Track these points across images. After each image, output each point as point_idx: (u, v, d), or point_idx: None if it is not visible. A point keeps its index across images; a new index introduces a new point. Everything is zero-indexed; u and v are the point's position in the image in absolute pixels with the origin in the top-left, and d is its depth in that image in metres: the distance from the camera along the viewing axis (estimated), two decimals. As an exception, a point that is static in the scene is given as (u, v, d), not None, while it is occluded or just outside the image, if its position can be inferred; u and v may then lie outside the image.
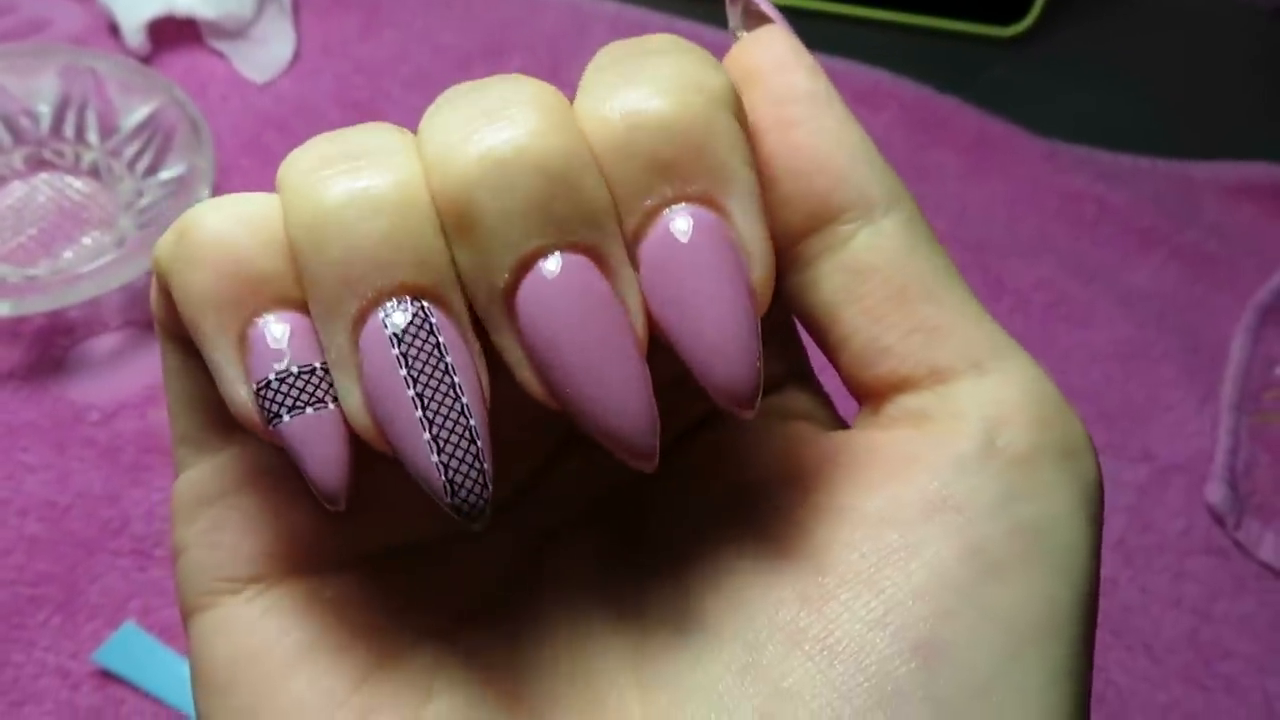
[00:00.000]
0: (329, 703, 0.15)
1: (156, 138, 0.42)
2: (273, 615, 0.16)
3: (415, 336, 0.13)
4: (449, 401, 0.13)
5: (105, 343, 0.40)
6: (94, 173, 0.42)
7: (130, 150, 0.42)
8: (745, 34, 0.17)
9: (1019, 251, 0.48)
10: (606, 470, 0.17)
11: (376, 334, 0.13)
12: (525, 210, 0.13)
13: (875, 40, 0.55)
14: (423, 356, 0.13)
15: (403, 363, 0.13)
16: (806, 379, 0.18)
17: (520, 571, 0.17)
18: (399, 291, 0.13)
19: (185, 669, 0.34)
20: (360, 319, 0.13)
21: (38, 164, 0.43)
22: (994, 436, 0.15)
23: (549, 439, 0.18)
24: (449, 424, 0.13)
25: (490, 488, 0.13)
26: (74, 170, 0.43)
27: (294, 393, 0.13)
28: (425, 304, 0.13)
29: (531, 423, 0.17)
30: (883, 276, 0.15)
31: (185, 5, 0.47)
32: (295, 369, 0.13)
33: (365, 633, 0.16)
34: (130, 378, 0.39)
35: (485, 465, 0.13)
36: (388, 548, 0.17)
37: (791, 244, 0.16)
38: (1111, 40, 0.57)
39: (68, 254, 0.41)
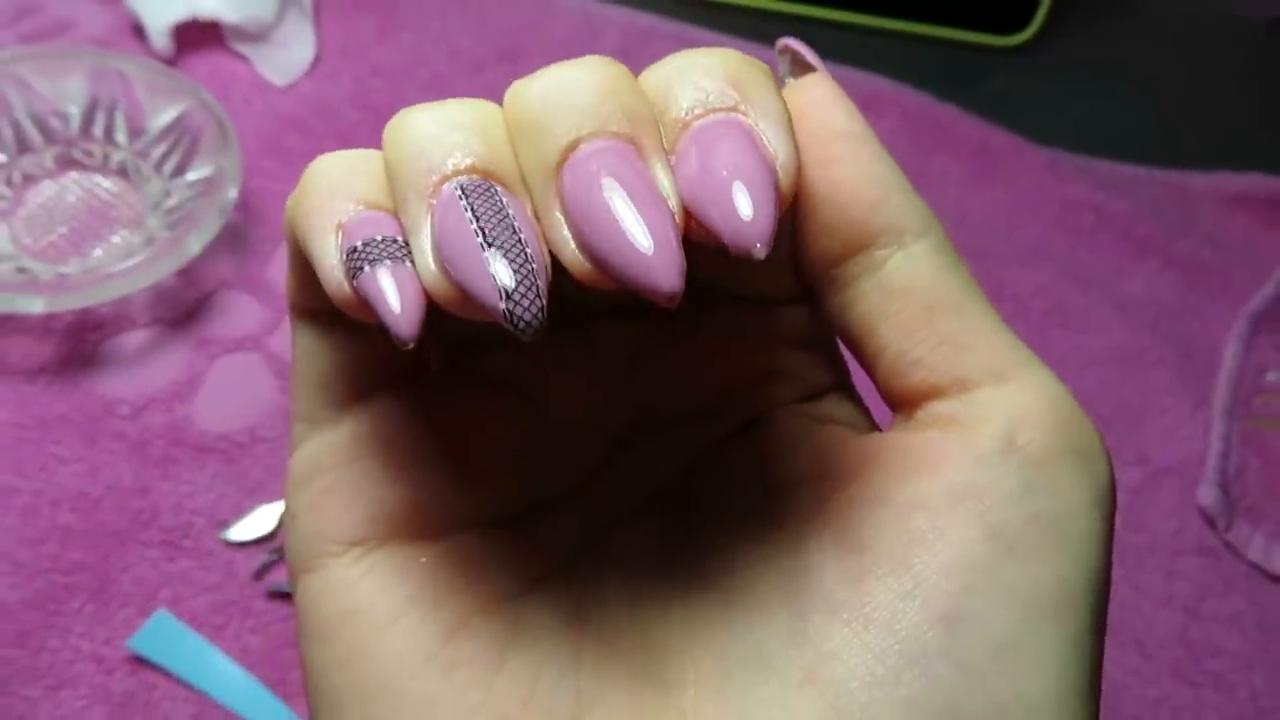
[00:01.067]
0: (420, 654, 0.17)
1: (184, 139, 0.43)
2: (372, 576, 0.18)
3: (482, 194, 0.15)
4: (508, 235, 0.14)
5: (134, 339, 0.41)
6: (122, 173, 0.43)
7: (158, 151, 0.43)
8: (792, 80, 0.19)
9: (1018, 258, 0.50)
10: (662, 464, 0.19)
11: (448, 194, 0.15)
12: (574, 109, 0.15)
13: (878, 48, 0.56)
14: (487, 206, 0.15)
15: (468, 208, 0.15)
16: (847, 390, 0.20)
17: (586, 550, 0.19)
18: (469, 171, 0.15)
19: (214, 656, 0.35)
20: (435, 190, 0.15)
21: (67, 163, 0.44)
22: (1014, 436, 0.16)
23: (610, 435, 0.19)
24: (506, 246, 0.14)
25: (544, 301, 0.14)
26: (103, 170, 0.44)
27: (376, 252, 0.15)
28: (492, 183, 0.15)
29: (595, 421, 0.19)
30: (913, 296, 0.17)
31: (209, 8, 0.48)
32: (379, 237, 0.15)
33: (452, 595, 0.18)
34: (158, 373, 0.40)
35: (540, 282, 0.14)
36: (475, 520, 0.18)
37: (831, 267, 0.18)
38: (1112, 51, 0.58)
39: (97, 252, 0.42)
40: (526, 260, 0.14)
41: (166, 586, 0.36)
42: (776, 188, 0.15)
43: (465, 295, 0.14)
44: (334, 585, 0.18)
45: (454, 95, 0.16)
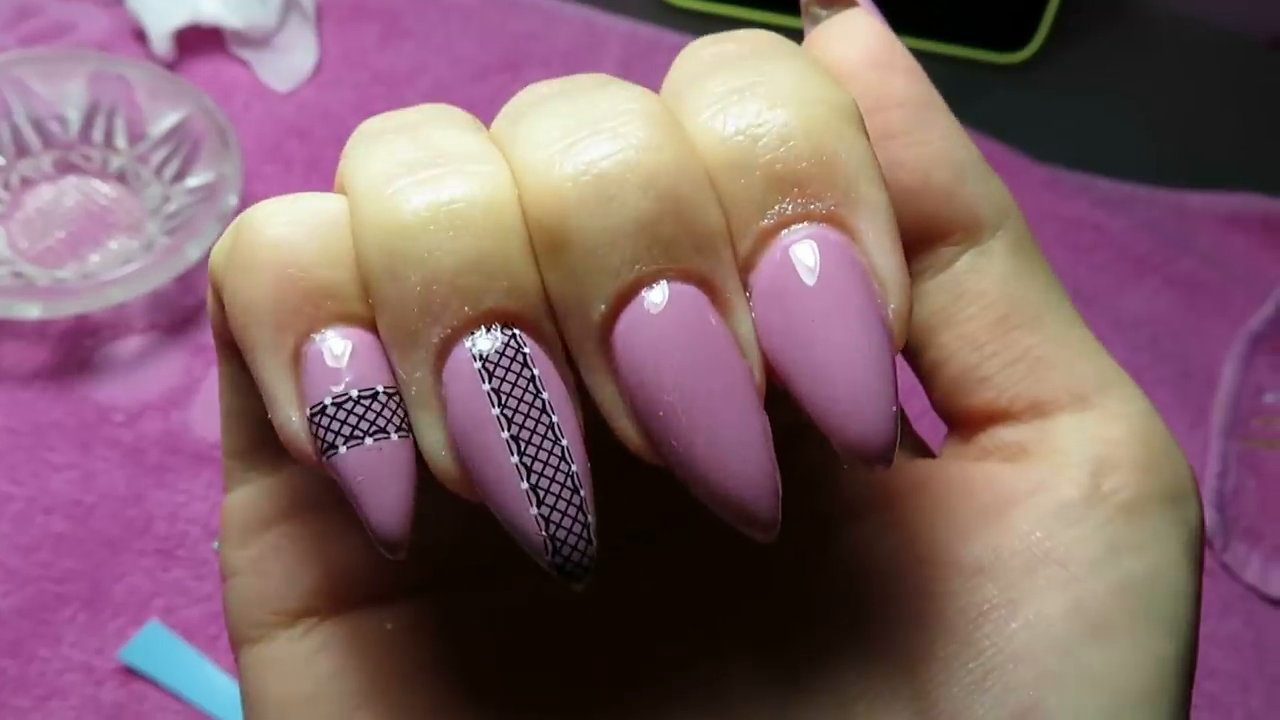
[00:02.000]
0: None
1: (184, 145, 0.42)
2: (326, 655, 0.14)
3: (508, 370, 0.11)
4: (548, 445, 0.11)
5: (130, 345, 0.41)
6: (121, 178, 0.43)
7: (158, 156, 0.43)
8: (822, 13, 0.15)
9: (1018, 275, 0.50)
10: (674, 490, 0.16)
11: (464, 367, 0.11)
12: (629, 233, 0.11)
13: (882, 63, 0.56)
14: (516, 393, 0.11)
15: (495, 400, 0.11)
16: None
17: (579, 607, 0.15)
18: (487, 319, 0.12)
19: (207, 668, 0.35)
20: (444, 349, 0.12)
21: (66, 167, 0.43)
22: (1099, 482, 0.14)
23: (603, 457, 0.16)
24: (549, 471, 0.11)
25: (595, 543, 0.12)
26: (102, 175, 0.43)
27: (352, 420, 0.12)
28: (517, 332, 0.12)
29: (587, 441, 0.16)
30: (986, 302, 0.14)
31: (211, 14, 0.47)
32: (355, 393, 0.12)
33: (427, 671, 0.15)
34: (154, 380, 0.40)
35: (589, 518, 0.12)
36: (448, 575, 0.15)
37: None
38: (1112, 69, 0.58)
39: (95, 257, 0.41)
40: (576, 489, 0.11)
41: (159, 596, 0.36)
42: (893, 356, 0.12)
43: (493, 510, 0.12)
44: (283, 663, 0.14)
45: (455, 104, 0.14)
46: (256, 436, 0.15)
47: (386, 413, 0.12)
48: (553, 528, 0.11)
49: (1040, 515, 0.14)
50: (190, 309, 0.42)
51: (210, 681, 0.34)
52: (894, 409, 0.12)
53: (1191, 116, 0.57)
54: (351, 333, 0.12)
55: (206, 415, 0.40)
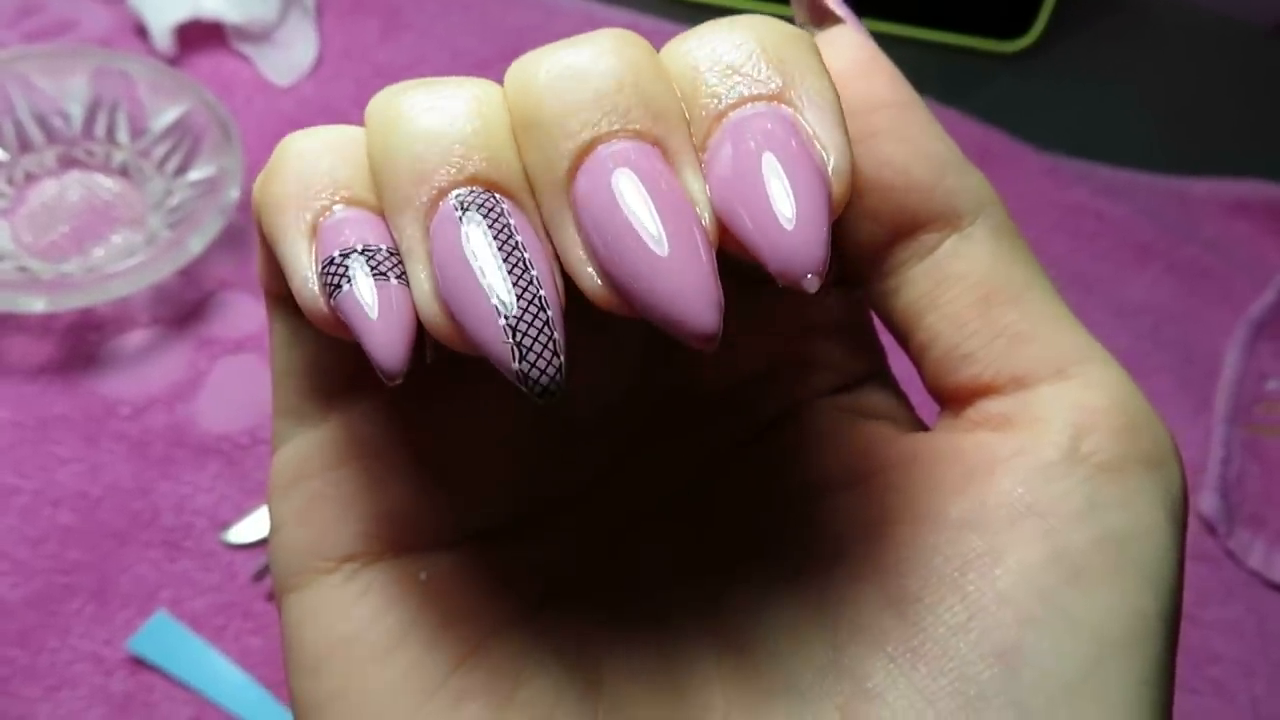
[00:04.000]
0: (421, 689, 0.15)
1: (186, 139, 0.43)
2: (367, 598, 0.16)
3: (486, 215, 0.13)
4: (518, 270, 0.13)
5: (134, 339, 0.41)
6: (124, 172, 0.43)
7: (160, 151, 0.43)
8: (814, 32, 0.17)
9: (1020, 263, 0.50)
10: (681, 465, 0.18)
11: (447, 215, 0.13)
12: (588, 102, 0.13)
13: (882, 53, 0.56)
14: (491, 233, 0.13)
15: (470, 239, 0.13)
16: (884, 378, 0.18)
17: (601, 560, 0.17)
18: (470, 182, 0.13)
19: (214, 657, 0.35)
20: (431, 207, 0.13)
21: (69, 162, 0.43)
22: (1079, 443, 0.14)
23: (624, 432, 0.18)
24: (519, 293, 0.13)
25: (562, 358, 0.12)
26: (105, 169, 0.44)
27: (355, 267, 0.13)
28: (496, 194, 0.13)
29: (608, 417, 0.18)
30: (967, 284, 0.15)
31: (212, 9, 0.48)
32: (360, 247, 0.13)
33: (457, 618, 0.16)
34: (159, 374, 0.40)
35: (556, 335, 0.12)
36: (477, 529, 0.17)
37: (876, 253, 0.16)
38: (1113, 56, 0.58)
39: (98, 251, 0.42)
40: (543, 308, 0.13)
41: (166, 587, 0.36)
42: (829, 200, 0.13)
43: (471, 342, 0.13)
44: (324, 607, 0.16)
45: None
46: (305, 390, 0.16)
47: (387, 264, 0.13)
48: (519, 336, 0.12)
49: (1022, 474, 0.14)
50: (193, 302, 0.42)
51: (218, 671, 0.35)
52: (825, 235, 0.13)
53: (1193, 104, 0.57)
54: (361, 212, 0.14)
55: (211, 408, 0.40)
